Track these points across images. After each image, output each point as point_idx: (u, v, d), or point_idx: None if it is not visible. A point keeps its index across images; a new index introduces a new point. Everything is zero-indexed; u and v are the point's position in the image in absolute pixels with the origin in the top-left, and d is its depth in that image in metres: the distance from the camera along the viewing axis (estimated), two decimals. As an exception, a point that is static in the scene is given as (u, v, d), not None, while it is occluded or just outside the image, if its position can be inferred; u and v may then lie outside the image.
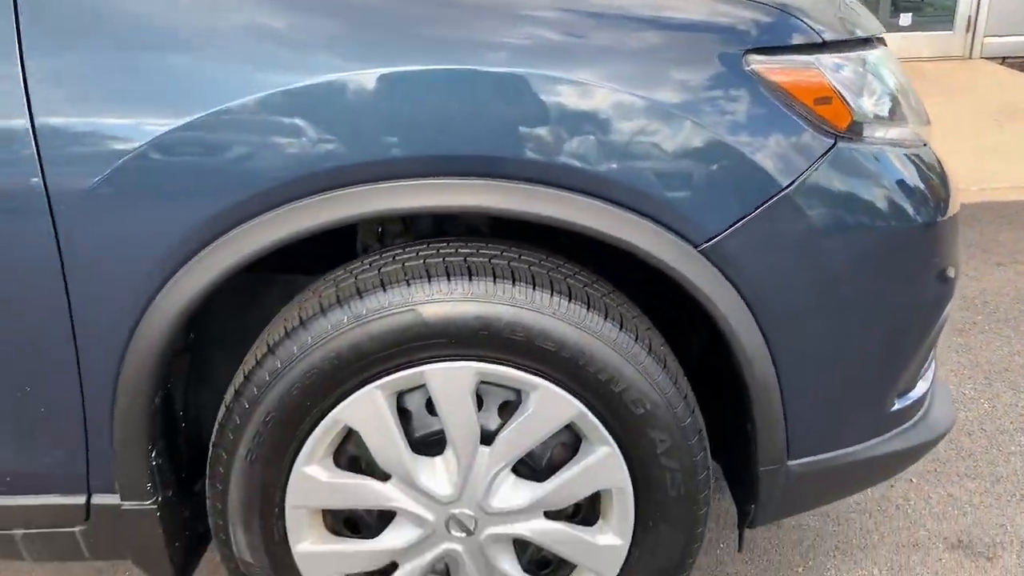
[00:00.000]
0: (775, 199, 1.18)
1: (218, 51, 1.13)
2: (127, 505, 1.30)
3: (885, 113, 1.29)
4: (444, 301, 1.19)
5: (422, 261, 1.23)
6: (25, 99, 1.10)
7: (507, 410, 1.31)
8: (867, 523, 1.84)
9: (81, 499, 1.31)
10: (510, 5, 1.17)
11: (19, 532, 1.34)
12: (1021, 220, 3.54)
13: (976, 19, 6.11)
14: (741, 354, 1.23)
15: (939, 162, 1.36)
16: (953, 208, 1.35)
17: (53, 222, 1.13)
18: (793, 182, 1.18)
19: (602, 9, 1.19)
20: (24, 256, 1.16)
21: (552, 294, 1.22)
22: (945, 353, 2.50)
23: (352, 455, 1.33)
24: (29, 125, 1.10)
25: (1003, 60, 6.10)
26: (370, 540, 1.33)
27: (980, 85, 5.50)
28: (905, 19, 6.19)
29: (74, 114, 1.12)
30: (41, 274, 1.16)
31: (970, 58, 6.18)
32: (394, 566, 1.35)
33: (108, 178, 1.12)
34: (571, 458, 1.31)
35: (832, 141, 1.20)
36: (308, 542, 1.32)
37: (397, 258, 1.26)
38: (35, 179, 1.11)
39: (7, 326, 1.19)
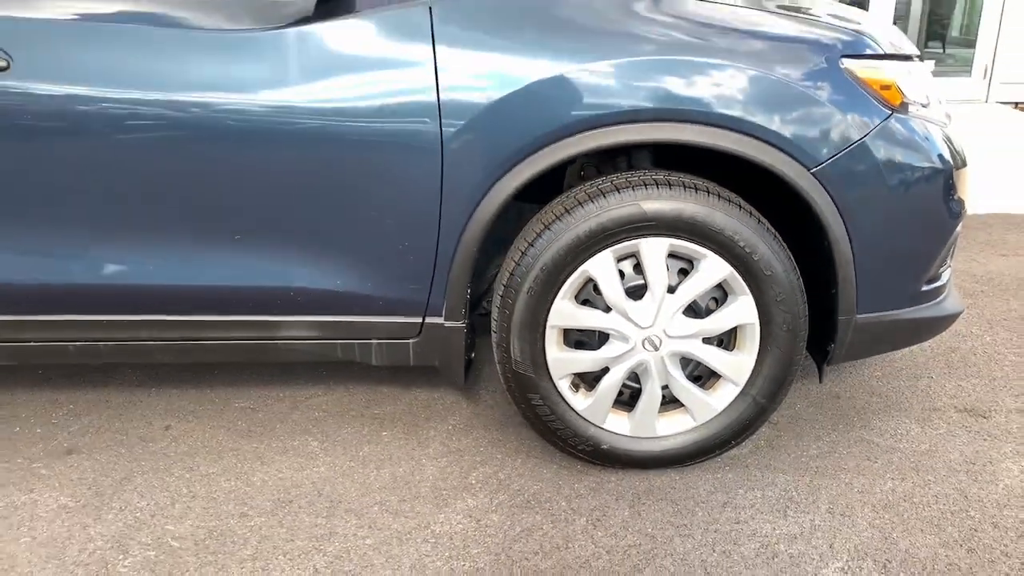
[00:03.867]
0: (855, 144, 1.99)
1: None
2: (448, 324, 2.12)
3: (923, 100, 2.10)
4: (656, 200, 2.01)
5: (638, 177, 2.05)
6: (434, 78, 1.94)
7: (683, 274, 2.12)
8: (899, 394, 2.62)
9: (418, 319, 2.13)
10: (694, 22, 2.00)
11: (375, 341, 2.15)
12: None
13: (992, 68, 6.95)
14: (833, 240, 2.04)
15: (957, 137, 2.18)
16: (964, 165, 2.15)
17: (441, 138, 1.96)
18: (866, 134, 1.99)
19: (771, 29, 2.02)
20: (418, 162, 1.98)
21: (718, 199, 2.03)
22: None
23: (584, 299, 2.14)
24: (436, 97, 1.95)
25: (1015, 104, 6.93)
26: (593, 351, 2.13)
27: (994, 125, 6.31)
28: (929, 66, 7.02)
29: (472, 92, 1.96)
30: (428, 174, 1.98)
31: (986, 102, 7.01)
32: (605, 370, 2.16)
33: (471, 122, 1.95)
34: (719, 307, 2.12)
35: (890, 112, 2.02)
36: (555, 349, 2.12)
37: (620, 176, 2.08)
38: (432, 123, 1.95)
39: (406, 196, 1.99)
